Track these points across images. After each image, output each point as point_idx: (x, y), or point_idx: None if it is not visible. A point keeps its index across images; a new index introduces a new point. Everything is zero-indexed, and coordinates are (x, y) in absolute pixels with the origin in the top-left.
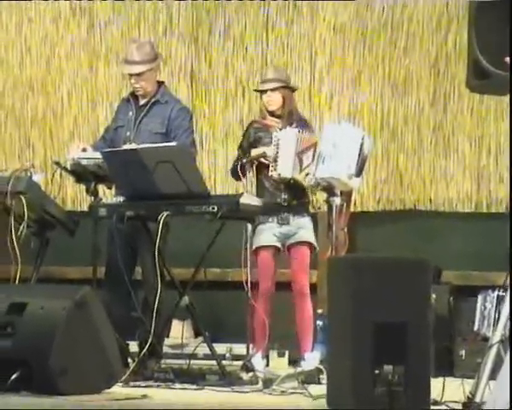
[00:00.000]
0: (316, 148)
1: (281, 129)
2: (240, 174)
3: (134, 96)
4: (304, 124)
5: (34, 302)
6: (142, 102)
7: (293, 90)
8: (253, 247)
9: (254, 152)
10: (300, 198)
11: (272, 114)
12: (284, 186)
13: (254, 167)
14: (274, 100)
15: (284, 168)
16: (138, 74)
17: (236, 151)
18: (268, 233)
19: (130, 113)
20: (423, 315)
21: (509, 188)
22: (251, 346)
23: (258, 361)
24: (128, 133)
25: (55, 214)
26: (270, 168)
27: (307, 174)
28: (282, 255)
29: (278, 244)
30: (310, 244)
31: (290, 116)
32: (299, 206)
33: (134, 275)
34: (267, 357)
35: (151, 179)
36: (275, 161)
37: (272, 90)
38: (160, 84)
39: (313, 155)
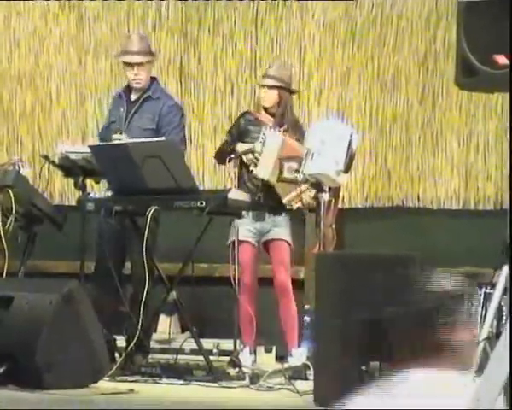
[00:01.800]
0: (299, 161)
1: (271, 128)
2: (226, 161)
3: (126, 91)
4: (295, 128)
5: (21, 296)
6: (133, 97)
7: (291, 92)
8: (229, 241)
9: (241, 147)
10: (275, 200)
11: (266, 110)
12: (262, 185)
13: (238, 160)
14: (269, 97)
15: (263, 169)
16: (139, 64)
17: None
18: (243, 228)
19: (122, 108)
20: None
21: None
22: (238, 341)
23: (246, 357)
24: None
25: (43, 208)
26: (251, 165)
27: (296, 170)
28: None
29: (253, 240)
30: (285, 241)
31: (282, 117)
32: (276, 204)
33: (123, 269)
34: (255, 352)
35: (139, 174)
36: (257, 159)
37: (269, 87)
38: (153, 79)
39: (296, 169)
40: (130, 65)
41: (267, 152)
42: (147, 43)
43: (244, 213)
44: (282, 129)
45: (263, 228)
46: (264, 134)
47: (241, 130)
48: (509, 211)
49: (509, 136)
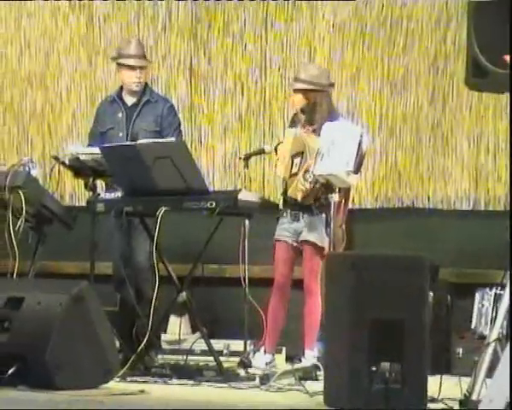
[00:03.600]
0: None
1: (301, 127)
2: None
3: (120, 96)
4: (333, 119)
5: (31, 297)
6: (131, 101)
7: (320, 89)
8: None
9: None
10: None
11: (303, 111)
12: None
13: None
14: (297, 101)
15: (279, 167)
16: (142, 67)
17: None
18: (280, 228)
19: (120, 114)
20: (420, 313)
21: (510, 185)
22: (248, 342)
23: (260, 357)
24: (121, 134)
25: (53, 209)
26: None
27: (306, 171)
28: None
29: (289, 240)
30: (314, 244)
31: (311, 114)
32: (304, 204)
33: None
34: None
35: (149, 175)
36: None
37: (295, 91)
38: (145, 83)
39: (306, 170)
40: (132, 68)
41: (282, 150)
42: (143, 48)
43: (284, 213)
44: (311, 128)
45: (298, 228)
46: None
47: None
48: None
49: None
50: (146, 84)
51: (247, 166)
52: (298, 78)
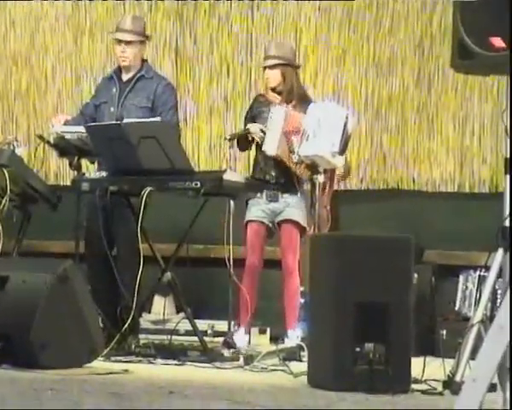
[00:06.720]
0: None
1: (278, 104)
2: (243, 147)
3: (117, 72)
4: (305, 102)
5: (16, 276)
6: (126, 77)
7: (294, 67)
8: (244, 222)
9: (253, 127)
10: (289, 176)
11: (273, 90)
12: (274, 163)
13: (255, 142)
14: (272, 77)
15: (269, 145)
16: (127, 42)
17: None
18: (256, 208)
19: (114, 89)
20: (405, 294)
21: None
22: (232, 322)
23: (241, 337)
24: (112, 109)
25: (38, 188)
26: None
27: (291, 152)
28: (275, 232)
29: (265, 220)
30: (297, 223)
31: (289, 94)
32: (288, 184)
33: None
34: (249, 333)
35: (134, 154)
36: (263, 136)
37: (270, 67)
38: (144, 61)
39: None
40: (119, 42)
41: (272, 128)
42: (140, 24)
43: (258, 194)
44: (290, 105)
45: (276, 209)
46: (270, 112)
47: (255, 113)
48: (509, 194)
49: (505, 119)
50: (144, 61)
51: (232, 146)
52: (274, 55)
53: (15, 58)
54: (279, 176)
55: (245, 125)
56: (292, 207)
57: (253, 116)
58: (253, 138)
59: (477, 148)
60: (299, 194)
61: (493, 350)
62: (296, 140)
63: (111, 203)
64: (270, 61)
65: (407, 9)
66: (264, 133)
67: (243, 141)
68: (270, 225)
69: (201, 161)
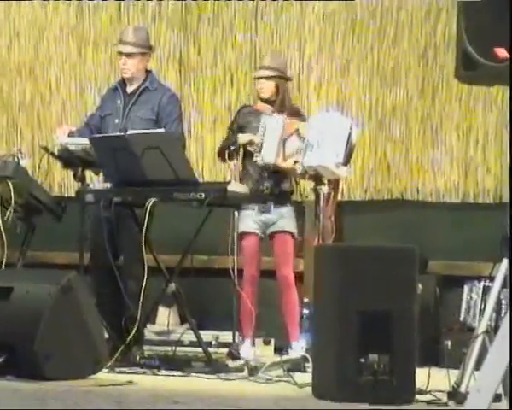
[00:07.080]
0: (298, 133)
1: (271, 114)
2: (226, 158)
3: (122, 84)
4: (296, 115)
5: (20, 287)
6: (130, 89)
7: (287, 79)
8: (237, 233)
9: (242, 138)
10: (283, 187)
11: (265, 100)
12: (268, 174)
13: (241, 153)
14: (266, 88)
15: (268, 154)
16: (128, 55)
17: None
18: (248, 220)
19: (119, 101)
20: (409, 305)
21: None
22: (237, 333)
23: (247, 349)
24: (117, 120)
25: (42, 199)
26: (255, 154)
27: (295, 162)
28: (266, 243)
29: (258, 232)
30: (291, 233)
31: (282, 105)
32: (282, 195)
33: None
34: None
35: (139, 166)
36: (260, 146)
37: (266, 78)
38: (148, 72)
39: (295, 161)
40: (121, 54)
41: (268, 138)
42: (142, 36)
43: (250, 205)
44: (283, 115)
45: (268, 220)
46: (263, 122)
47: (241, 123)
48: (510, 204)
49: (509, 128)
50: (149, 72)
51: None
52: (269, 66)
53: (19, 69)
54: (273, 186)
55: (230, 134)
56: (285, 217)
57: (240, 126)
58: (239, 150)
59: (481, 158)
60: (289, 204)
61: (498, 361)
62: (290, 142)
63: (115, 214)
64: (266, 72)
65: (411, 19)
66: (253, 143)
67: (233, 153)
68: (263, 236)
69: (205, 171)
